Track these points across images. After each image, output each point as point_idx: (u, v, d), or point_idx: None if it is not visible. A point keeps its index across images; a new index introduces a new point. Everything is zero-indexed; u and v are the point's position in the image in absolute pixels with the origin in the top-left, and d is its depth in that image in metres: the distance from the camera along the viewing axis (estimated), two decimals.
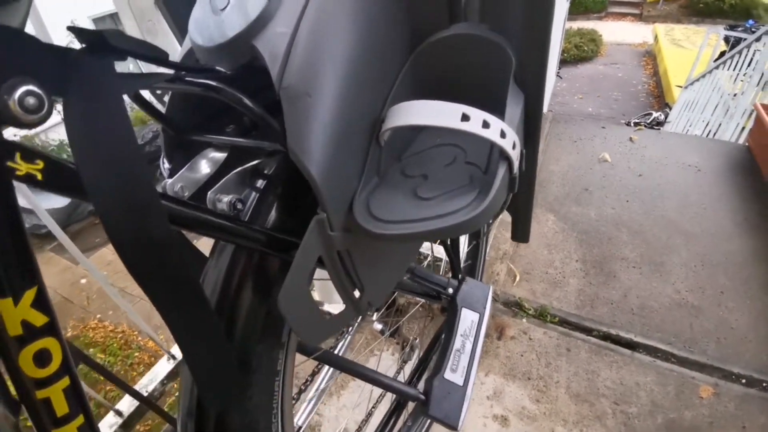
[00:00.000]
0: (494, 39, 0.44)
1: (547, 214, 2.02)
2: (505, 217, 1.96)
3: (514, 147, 0.38)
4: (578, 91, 7.48)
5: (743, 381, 1.30)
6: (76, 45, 0.25)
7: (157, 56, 0.32)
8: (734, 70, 3.27)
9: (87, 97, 0.25)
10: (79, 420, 0.27)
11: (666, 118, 5.67)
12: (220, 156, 0.45)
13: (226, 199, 0.40)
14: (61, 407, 0.26)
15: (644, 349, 1.42)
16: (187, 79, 0.34)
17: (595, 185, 2.18)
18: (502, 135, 0.37)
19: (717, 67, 3.65)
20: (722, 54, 4.39)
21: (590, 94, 7.40)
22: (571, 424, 1.23)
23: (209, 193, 0.41)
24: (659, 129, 5.62)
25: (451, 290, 0.81)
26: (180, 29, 0.50)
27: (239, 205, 0.41)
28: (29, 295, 0.24)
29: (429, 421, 0.91)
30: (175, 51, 0.42)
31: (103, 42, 0.26)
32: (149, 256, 0.27)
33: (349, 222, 0.39)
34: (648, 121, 5.92)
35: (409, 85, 0.45)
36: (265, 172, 0.43)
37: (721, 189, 2.12)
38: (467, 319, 0.79)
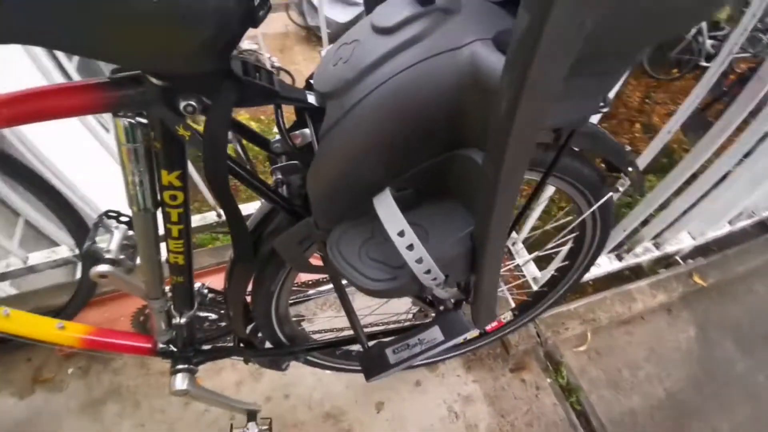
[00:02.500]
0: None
1: (690, 326, 1.64)
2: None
3: (420, 261, 0.50)
4: None
5: None
6: None
7: None
8: None
9: None
10: None
11: None
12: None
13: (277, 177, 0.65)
14: None
15: None
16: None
17: None
18: (409, 248, 0.49)
19: None
20: None
21: None
22: None
23: (273, 168, 0.65)
24: None
25: (442, 308, 0.90)
26: None
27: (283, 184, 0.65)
28: None
29: None
30: None
31: None
32: None
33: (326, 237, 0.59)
34: None
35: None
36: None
37: None
38: (434, 333, 0.87)
